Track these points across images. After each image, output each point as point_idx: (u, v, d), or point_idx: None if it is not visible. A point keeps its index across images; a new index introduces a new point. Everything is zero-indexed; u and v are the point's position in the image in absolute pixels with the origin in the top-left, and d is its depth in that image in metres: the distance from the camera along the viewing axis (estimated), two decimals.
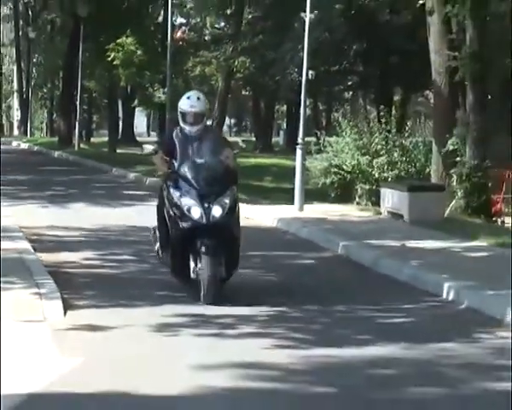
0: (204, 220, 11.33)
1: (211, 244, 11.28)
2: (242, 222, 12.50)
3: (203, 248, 11.24)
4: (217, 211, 11.43)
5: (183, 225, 11.42)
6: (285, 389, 7.73)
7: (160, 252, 12.40)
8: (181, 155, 11.99)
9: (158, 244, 12.42)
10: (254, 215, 20.55)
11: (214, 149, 12.12)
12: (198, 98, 12.45)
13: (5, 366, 8.18)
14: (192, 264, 11.42)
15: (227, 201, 11.61)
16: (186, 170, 11.69)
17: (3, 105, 68.04)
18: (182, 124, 12.35)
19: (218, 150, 12.09)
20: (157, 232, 12.50)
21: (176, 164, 11.95)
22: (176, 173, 11.78)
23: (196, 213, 11.36)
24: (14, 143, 52.55)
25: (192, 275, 11.39)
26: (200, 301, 11.20)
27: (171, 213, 11.58)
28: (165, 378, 7.91)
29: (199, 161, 11.85)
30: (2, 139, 49.25)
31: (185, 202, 11.43)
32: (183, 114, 12.28)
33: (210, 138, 12.32)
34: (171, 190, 11.67)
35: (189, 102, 12.29)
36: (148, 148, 14.50)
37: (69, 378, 8.09)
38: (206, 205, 11.39)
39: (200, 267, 11.25)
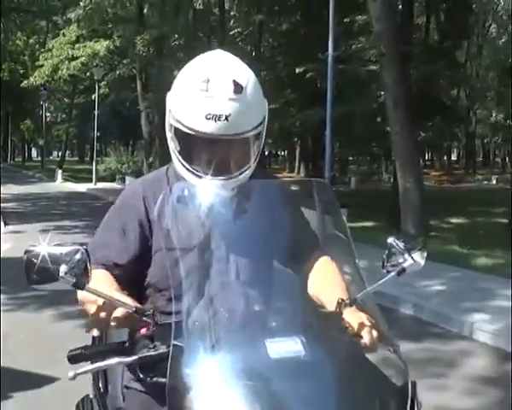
0: None
1: None
2: None
3: None
4: None
5: None
6: None
7: None
8: (190, 289, 0.52)
9: None
10: None
11: (298, 263, 0.60)
12: (239, 88, 0.50)
13: None
14: None
15: None
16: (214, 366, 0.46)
17: None
18: (187, 176, 0.55)
19: (308, 266, 0.62)
20: None
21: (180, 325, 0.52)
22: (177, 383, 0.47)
23: None
24: None
25: None
26: None
27: None
28: None
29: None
30: None
31: None
32: (186, 145, 0.51)
33: (284, 219, 0.58)
34: None
35: (214, 97, 0.48)
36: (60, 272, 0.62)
37: (8, 252, 6.60)
38: None
39: None
